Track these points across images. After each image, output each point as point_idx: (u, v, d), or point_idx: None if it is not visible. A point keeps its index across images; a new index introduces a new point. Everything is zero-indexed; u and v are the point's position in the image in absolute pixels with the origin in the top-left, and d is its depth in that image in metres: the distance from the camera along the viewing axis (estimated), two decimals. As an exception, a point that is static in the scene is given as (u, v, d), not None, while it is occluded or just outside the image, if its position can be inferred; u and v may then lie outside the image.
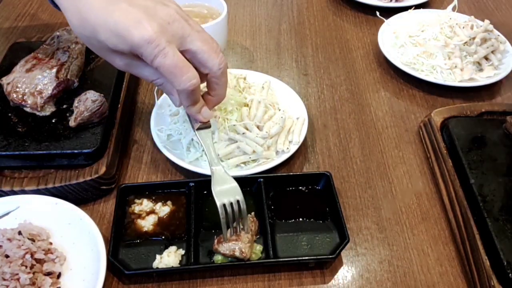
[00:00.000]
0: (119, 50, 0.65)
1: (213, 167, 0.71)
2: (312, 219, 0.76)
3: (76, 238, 0.71)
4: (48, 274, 0.67)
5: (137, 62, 0.67)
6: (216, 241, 0.70)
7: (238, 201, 0.68)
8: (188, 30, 0.66)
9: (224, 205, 0.68)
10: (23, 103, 0.83)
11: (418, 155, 0.89)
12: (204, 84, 0.74)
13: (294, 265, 0.72)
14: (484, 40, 1.04)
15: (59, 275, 0.68)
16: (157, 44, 0.62)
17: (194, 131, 0.75)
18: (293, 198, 0.79)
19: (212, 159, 0.72)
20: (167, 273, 0.70)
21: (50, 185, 0.76)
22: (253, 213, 0.74)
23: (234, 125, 0.82)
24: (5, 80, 0.85)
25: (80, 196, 0.78)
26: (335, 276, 0.71)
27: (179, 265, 0.69)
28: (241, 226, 0.70)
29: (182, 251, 0.71)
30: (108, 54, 0.67)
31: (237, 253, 0.68)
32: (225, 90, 0.74)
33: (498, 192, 0.75)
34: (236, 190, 0.69)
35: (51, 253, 0.69)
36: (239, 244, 0.69)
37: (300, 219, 0.76)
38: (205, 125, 0.75)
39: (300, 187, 0.80)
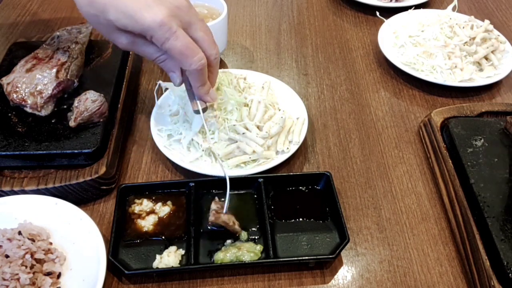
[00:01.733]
0: (128, 30, 0.68)
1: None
2: (312, 219, 0.76)
3: (76, 238, 0.71)
4: (48, 274, 0.67)
5: (142, 40, 0.71)
6: (214, 211, 0.72)
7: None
8: (194, 18, 0.71)
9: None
10: (23, 103, 0.82)
11: (418, 155, 0.89)
12: None
13: (294, 265, 0.72)
14: (484, 40, 1.04)
15: (59, 275, 0.68)
16: (169, 27, 0.66)
17: (201, 113, 0.78)
18: (293, 198, 0.79)
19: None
20: (167, 273, 0.70)
21: (50, 185, 0.76)
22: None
23: (234, 125, 0.82)
24: (5, 80, 0.85)
25: (80, 196, 0.78)
26: (335, 276, 0.71)
27: (179, 265, 0.69)
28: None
29: (182, 251, 0.71)
30: (114, 33, 0.71)
31: (236, 226, 0.73)
32: (216, 79, 0.81)
33: (498, 192, 0.75)
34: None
35: (51, 253, 0.69)
36: (233, 218, 0.73)
37: (300, 219, 0.76)
38: (206, 108, 0.80)
39: (300, 187, 0.80)
